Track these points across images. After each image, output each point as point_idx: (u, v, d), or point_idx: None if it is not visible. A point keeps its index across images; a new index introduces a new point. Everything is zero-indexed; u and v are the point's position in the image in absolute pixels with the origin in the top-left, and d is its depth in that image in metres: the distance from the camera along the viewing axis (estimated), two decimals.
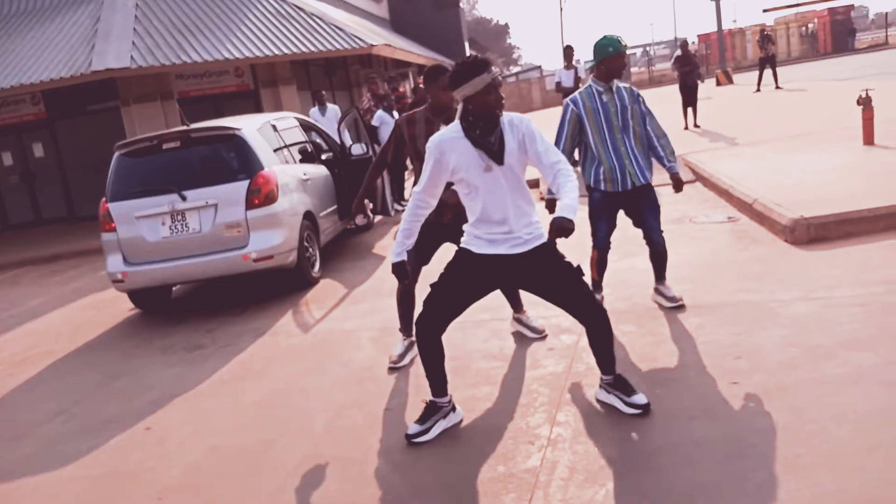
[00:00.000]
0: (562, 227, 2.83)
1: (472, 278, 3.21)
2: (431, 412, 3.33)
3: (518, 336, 4.36)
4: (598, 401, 3.35)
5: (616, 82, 4.27)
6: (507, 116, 3.11)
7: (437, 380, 3.32)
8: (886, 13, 41.77)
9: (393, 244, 3.32)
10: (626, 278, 5.02)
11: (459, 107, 3.08)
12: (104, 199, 6.18)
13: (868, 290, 4.18)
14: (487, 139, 3.03)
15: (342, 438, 3.49)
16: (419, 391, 3.84)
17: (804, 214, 5.37)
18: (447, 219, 3.96)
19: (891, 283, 4.24)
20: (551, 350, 4.11)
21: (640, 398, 3.20)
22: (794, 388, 3.22)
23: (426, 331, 3.24)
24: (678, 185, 4.40)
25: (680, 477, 2.71)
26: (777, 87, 18.60)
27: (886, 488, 2.44)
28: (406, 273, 3.27)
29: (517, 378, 3.82)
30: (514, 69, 62.76)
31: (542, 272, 3.16)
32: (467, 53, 32.79)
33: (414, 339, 4.26)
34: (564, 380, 3.68)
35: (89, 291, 7.86)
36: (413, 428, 3.30)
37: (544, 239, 3.14)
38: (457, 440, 3.27)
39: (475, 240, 3.18)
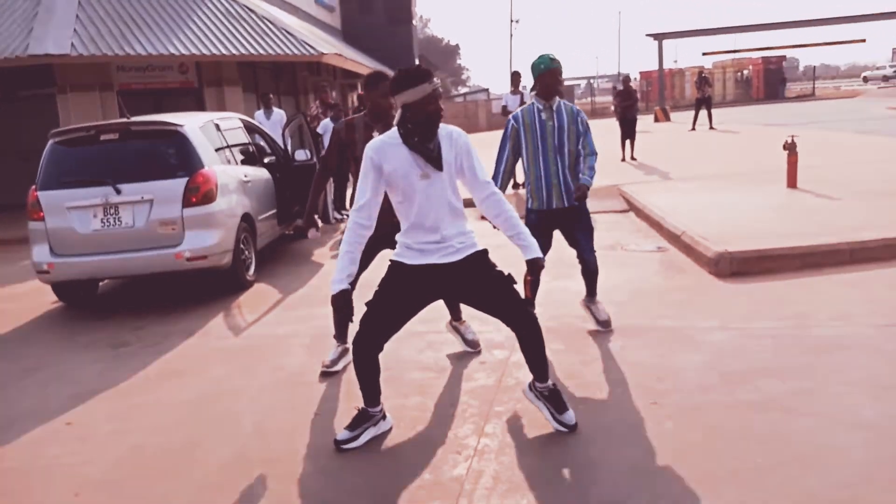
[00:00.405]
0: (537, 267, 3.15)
1: (407, 292, 3.20)
2: (362, 420, 3.33)
3: (452, 349, 4.43)
4: (526, 397, 3.42)
5: (559, 101, 4.32)
6: (445, 129, 3.13)
7: (371, 391, 3.32)
8: (814, 66, 44.28)
9: (335, 265, 3.19)
10: (557, 299, 5.17)
11: (398, 113, 3.11)
12: (34, 187, 5.97)
13: (781, 324, 4.44)
14: (426, 146, 3.05)
15: (270, 441, 3.48)
16: (350, 398, 3.87)
17: (728, 249, 5.66)
18: (382, 231, 4.00)
19: (802, 317, 4.52)
20: (483, 364, 4.20)
21: (569, 417, 3.26)
22: (709, 409, 3.40)
23: (363, 350, 3.21)
24: (581, 194, 4.29)
25: (598, 491, 2.83)
26: (711, 128, 19.43)
27: (779, 498, 2.61)
28: (349, 304, 3.09)
29: (448, 390, 3.89)
30: (462, 90, 63.50)
31: (474, 281, 3.20)
32: None
33: (348, 346, 4.31)
34: (494, 393, 3.77)
35: (7, 282, 7.55)
36: (343, 434, 3.31)
37: (476, 248, 3.21)
38: (386, 448, 3.30)
39: (407, 251, 3.20)
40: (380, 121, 4.10)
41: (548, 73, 4.22)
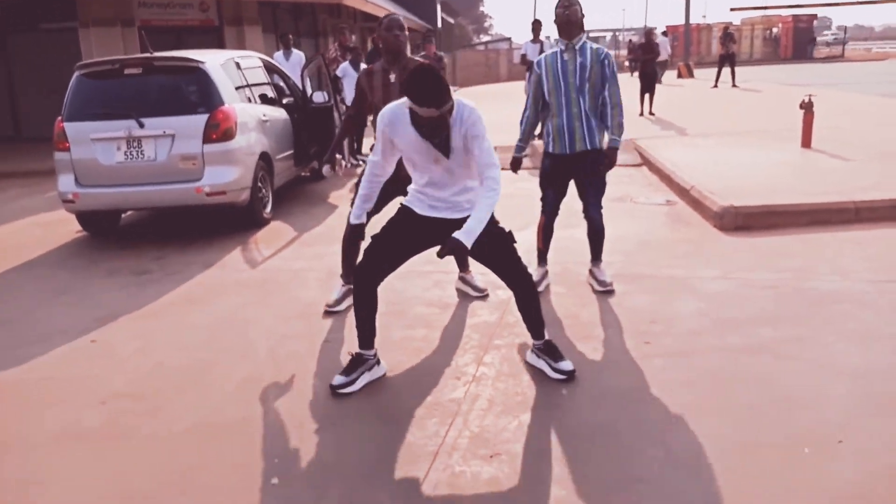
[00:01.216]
0: (453, 249, 2.97)
1: (411, 235, 3.30)
2: (357, 364, 3.37)
3: (459, 290, 4.59)
4: (528, 363, 3.47)
5: (584, 41, 4.20)
6: (457, 108, 3.00)
7: (366, 331, 3.38)
8: (846, 27, 43.03)
9: (351, 200, 3.49)
10: (563, 246, 5.30)
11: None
12: (60, 118, 6.14)
13: (780, 276, 4.57)
14: (432, 139, 3.02)
15: (283, 364, 3.70)
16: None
17: (734, 203, 5.76)
18: (397, 181, 4.09)
19: (801, 270, 4.65)
20: (486, 302, 4.38)
21: (566, 364, 3.31)
22: (699, 352, 3.57)
23: (363, 280, 3.30)
24: (611, 161, 4.28)
25: (585, 415, 3.03)
26: (734, 86, 19.19)
27: (757, 435, 2.79)
28: (363, 234, 3.38)
29: (452, 324, 4.08)
30: (485, 38, 62.48)
31: None
32: (439, 16, 32.53)
33: (352, 286, 4.47)
34: (496, 328, 3.96)
35: (36, 211, 7.79)
36: (338, 379, 3.33)
37: None
38: (391, 373, 3.51)
39: (418, 201, 3.29)
40: (396, 62, 4.11)
41: (565, 3, 4.15)
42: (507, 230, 3.29)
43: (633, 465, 2.65)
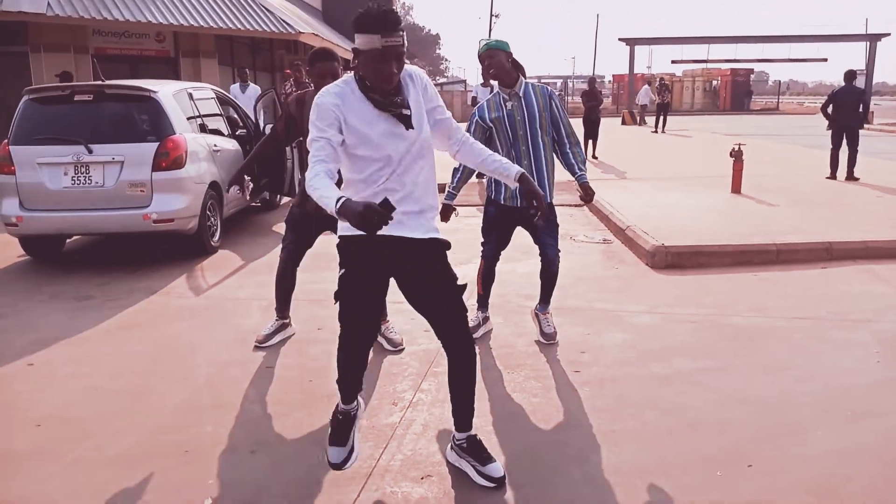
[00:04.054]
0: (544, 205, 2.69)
1: (378, 271, 2.68)
2: (348, 425, 2.86)
3: (398, 316, 4.68)
4: (448, 463, 2.95)
5: (525, 84, 3.93)
6: (405, 72, 2.61)
7: (356, 386, 2.87)
8: (780, 81, 45.34)
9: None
10: (504, 279, 5.49)
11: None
12: (6, 140, 6.13)
13: (702, 311, 4.85)
14: (391, 99, 2.53)
15: (221, 389, 3.76)
16: (302, 356, 4.17)
17: (665, 243, 6.07)
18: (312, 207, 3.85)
19: (722, 307, 4.94)
20: (427, 331, 4.49)
21: (495, 468, 2.81)
22: (623, 380, 3.78)
23: (355, 350, 2.77)
24: (588, 194, 4.17)
25: (514, 439, 3.18)
26: (662, 132, 20.44)
27: (672, 459, 2.98)
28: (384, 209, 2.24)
29: (392, 352, 4.20)
30: (441, 80, 63.61)
31: (429, 269, 2.69)
32: None
33: (287, 321, 4.41)
34: (434, 356, 4.09)
35: None
36: (335, 455, 2.81)
37: (439, 233, 2.73)
38: (330, 398, 3.60)
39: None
40: None
41: (485, 56, 3.86)
42: (460, 280, 2.73)
43: (555, 487, 2.80)
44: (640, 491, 2.75)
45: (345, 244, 2.64)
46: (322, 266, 5.69)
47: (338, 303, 2.66)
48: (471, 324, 4.27)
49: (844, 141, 10.66)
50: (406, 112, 2.55)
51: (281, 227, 7.83)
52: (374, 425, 3.31)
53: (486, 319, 4.50)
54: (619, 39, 33.62)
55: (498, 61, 3.86)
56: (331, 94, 2.52)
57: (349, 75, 2.61)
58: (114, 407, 3.56)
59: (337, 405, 2.88)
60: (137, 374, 3.97)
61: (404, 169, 2.59)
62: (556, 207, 4.36)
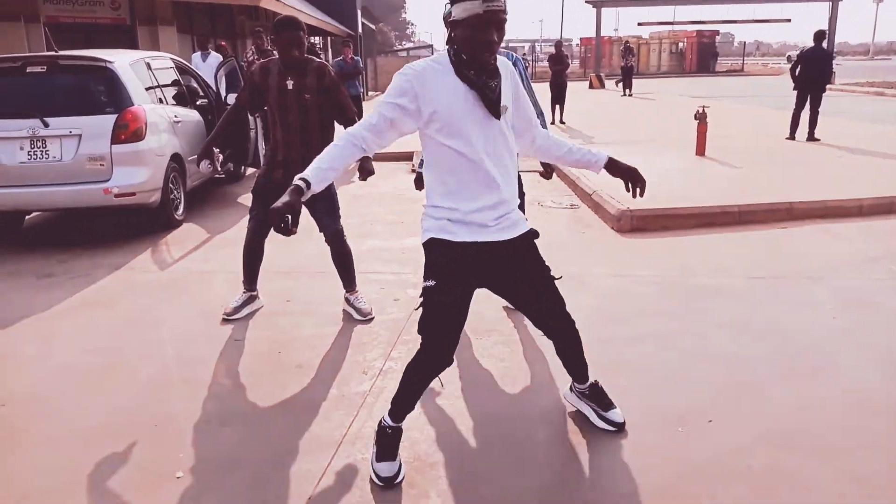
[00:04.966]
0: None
1: (463, 275, 2.50)
2: (396, 439, 2.71)
3: (368, 287, 4.72)
4: (567, 401, 3.12)
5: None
6: (501, 58, 2.49)
7: (412, 404, 2.72)
8: (745, 42, 45.62)
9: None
10: None
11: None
12: None
13: (666, 273, 4.94)
14: (487, 82, 2.37)
15: (189, 363, 3.74)
16: (270, 328, 4.16)
17: (630, 207, 6.15)
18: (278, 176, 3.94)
19: (685, 267, 5.04)
20: (396, 301, 4.55)
21: (616, 415, 2.95)
22: (588, 342, 3.78)
23: (431, 367, 2.58)
24: (548, 171, 4.23)
25: (482, 402, 3.23)
26: (628, 94, 20.55)
27: (636, 417, 3.06)
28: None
29: (362, 322, 4.22)
30: (407, 44, 62.82)
31: (523, 265, 2.62)
32: (360, 22, 32.49)
33: (254, 293, 4.38)
34: (404, 324, 4.12)
35: None
36: (384, 469, 2.63)
37: (527, 224, 2.64)
38: (300, 367, 3.62)
39: (453, 225, 2.46)
40: (295, 65, 3.93)
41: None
42: (548, 265, 2.70)
43: (522, 447, 2.86)
44: (604, 448, 2.83)
45: (432, 247, 2.49)
46: (290, 238, 5.67)
47: (420, 315, 2.50)
48: None
49: (808, 102, 10.81)
50: (494, 96, 2.38)
51: (246, 199, 7.75)
52: (344, 394, 3.34)
53: None
54: (586, 2, 33.45)
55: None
56: (415, 65, 2.39)
57: (441, 53, 2.44)
58: (80, 384, 3.54)
59: (382, 421, 2.72)
60: (104, 351, 3.93)
61: (489, 159, 2.42)
62: (525, 173, 4.34)
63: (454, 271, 2.45)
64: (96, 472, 2.76)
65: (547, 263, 2.71)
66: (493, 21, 2.26)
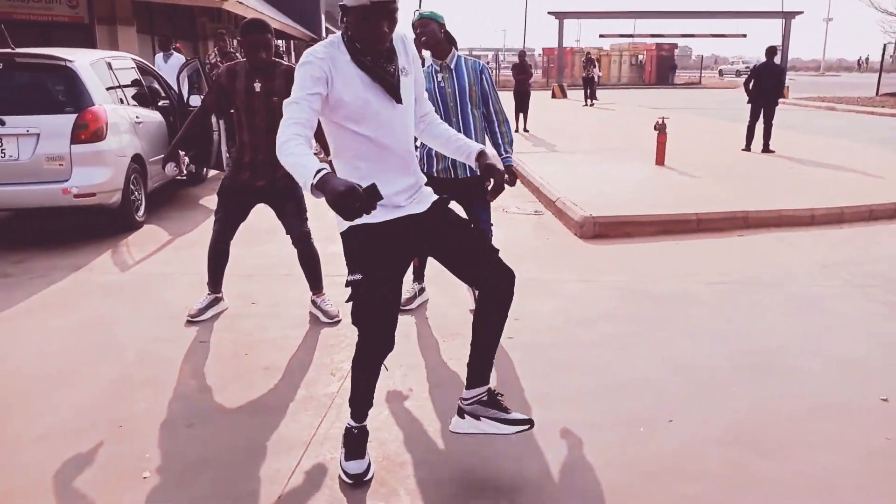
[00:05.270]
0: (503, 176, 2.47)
1: (390, 254, 2.50)
2: (363, 440, 2.73)
3: (335, 290, 4.71)
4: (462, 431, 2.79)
5: (458, 57, 3.93)
6: (396, 33, 2.43)
7: (369, 402, 2.71)
8: (702, 56, 46.76)
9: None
10: None
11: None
12: None
13: (628, 278, 5.06)
14: (385, 67, 2.37)
15: (153, 365, 3.70)
16: (233, 329, 4.14)
17: (592, 214, 6.26)
18: (263, 178, 3.99)
19: (647, 274, 5.16)
20: None
21: (517, 413, 2.78)
22: (554, 346, 3.92)
23: (374, 353, 2.54)
24: (511, 178, 4.07)
25: (449, 403, 3.26)
26: (590, 104, 20.98)
27: (599, 417, 3.14)
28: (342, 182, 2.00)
29: (329, 323, 4.22)
30: None
31: (446, 229, 2.60)
32: (323, 26, 32.38)
33: (219, 295, 4.36)
34: None
35: None
36: (352, 467, 2.64)
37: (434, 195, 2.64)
38: (267, 369, 3.61)
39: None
40: (261, 68, 3.93)
41: (418, 24, 3.81)
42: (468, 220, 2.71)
43: (489, 445, 2.90)
44: (569, 447, 2.89)
45: (354, 235, 2.45)
46: (255, 240, 5.64)
47: (352, 309, 2.47)
48: (406, 295, 4.40)
49: (762, 115, 11.14)
50: (395, 81, 2.37)
51: (208, 201, 7.69)
52: (312, 395, 3.34)
53: (422, 290, 4.58)
54: (549, 13, 33.92)
55: (431, 30, 3.82)
56: (318, 51, 2.32)
57: (335, 36, 2.40)
58: (41, 385, 3.46)
59: (348, 423, 2.72)
60: (64, 353, 3.86)
61: (397, 144, 2.43)
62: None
63: (380, 256, 2.44)
64: (60, 473, 2.72)
65: (468, 221, 2.72)
66: (382, 12, 2.25)
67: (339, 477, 2.67)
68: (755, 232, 6.36)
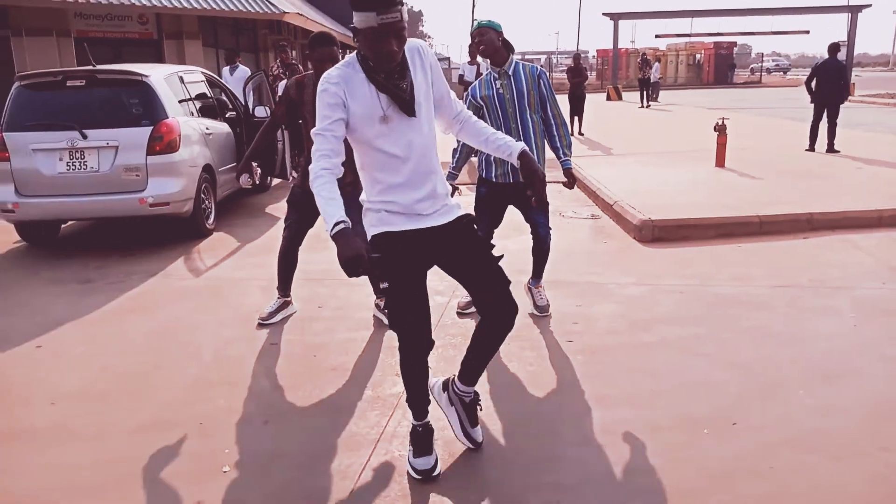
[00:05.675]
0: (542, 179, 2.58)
1: (410, 263, 2.60)
2: (429, 436, 2.85)
3: (376, 317, 4.64)
4: (433, 397, 3.00)
5: (516, 64, 4.03)
6: (408, 47, 2.52)
7: (424, 399, 2.86)
8: (762, 54, 45.48)
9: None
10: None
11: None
12: None
13: (687, 282, 5.04)
14: (398, 84, 2.46)
15: (229, 365, 3.89)
16: (304, 332, 4.31)
17: (651, 217, 6.25)
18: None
19: (706, 277, 5.13)
20: None
21: (477, 433, 2.96)
22: (614, 348, 3.96)
23: (416, 352, 2.71)
24: (571, 181, 4.21)
25: (512, 405, 3.35)
26: (646, 107, 20.65)
27: (662, 419, 3.17)
28: (355, 240, 2.29)
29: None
30: None
31: (462, 246, 2.69)
32: None
33: (289, 298, 4.55)
34: (434, 329, 4.24)
35: None
36: (421, 463, 2.76)
37: (462, 209, 2.73)
38: (335, 370, 3.76)
39: (391, 216, 2.59)
40: None
41: (476, 34, 3.97)
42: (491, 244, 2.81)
43: (554, 445, 2.98)
44: (632, 449, 2.93)
45: (378, 243, 2.58)
46: (322, 246, 5.83)
47: (387, 315, 2.63)
48: (462, 301, 4.49)
49: (825, 113, 10.85)
50: (406, 96, 2.47)
51: (274, 209, 7.96)
52: (379, 395, 3.47)
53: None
54: (603, 14, 33.58)
55: (489, 39, 3.93)
56: (332, 76, 2.46)
57: (351, 56, 2.53)
58: (125, 385, 3.69)
59: (412, 422, 2.86)
60: (146, 353, 4.10)
61: (415, 156, 2.53)
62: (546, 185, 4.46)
63: (403, 263, 2.57)
64: (148, 466, 2.91)
65: (488, 243, 2.78)
66: (390, 32, 2.35)
67: (408, 473, 2.79)
68: (820, 234, 6.24)
